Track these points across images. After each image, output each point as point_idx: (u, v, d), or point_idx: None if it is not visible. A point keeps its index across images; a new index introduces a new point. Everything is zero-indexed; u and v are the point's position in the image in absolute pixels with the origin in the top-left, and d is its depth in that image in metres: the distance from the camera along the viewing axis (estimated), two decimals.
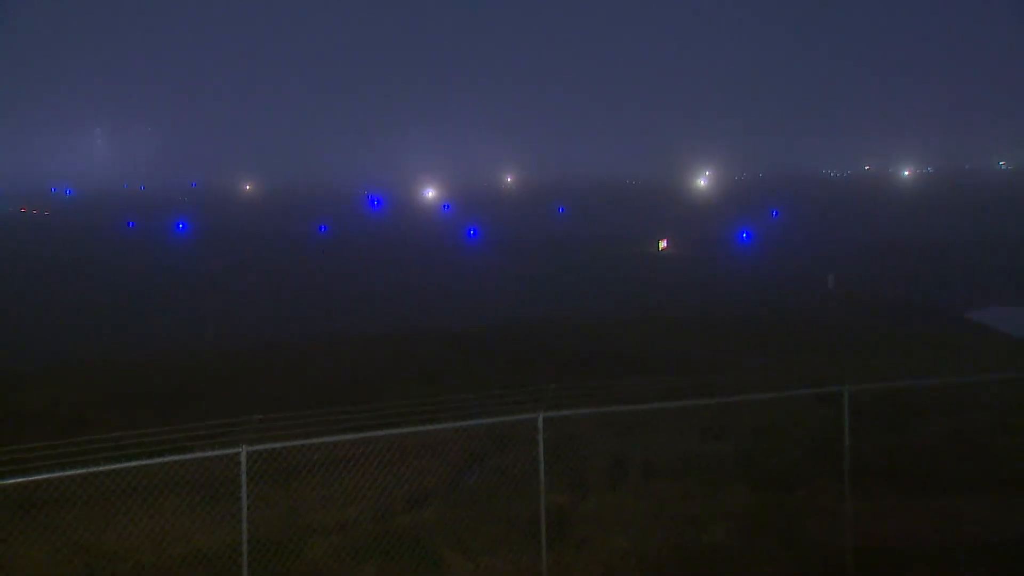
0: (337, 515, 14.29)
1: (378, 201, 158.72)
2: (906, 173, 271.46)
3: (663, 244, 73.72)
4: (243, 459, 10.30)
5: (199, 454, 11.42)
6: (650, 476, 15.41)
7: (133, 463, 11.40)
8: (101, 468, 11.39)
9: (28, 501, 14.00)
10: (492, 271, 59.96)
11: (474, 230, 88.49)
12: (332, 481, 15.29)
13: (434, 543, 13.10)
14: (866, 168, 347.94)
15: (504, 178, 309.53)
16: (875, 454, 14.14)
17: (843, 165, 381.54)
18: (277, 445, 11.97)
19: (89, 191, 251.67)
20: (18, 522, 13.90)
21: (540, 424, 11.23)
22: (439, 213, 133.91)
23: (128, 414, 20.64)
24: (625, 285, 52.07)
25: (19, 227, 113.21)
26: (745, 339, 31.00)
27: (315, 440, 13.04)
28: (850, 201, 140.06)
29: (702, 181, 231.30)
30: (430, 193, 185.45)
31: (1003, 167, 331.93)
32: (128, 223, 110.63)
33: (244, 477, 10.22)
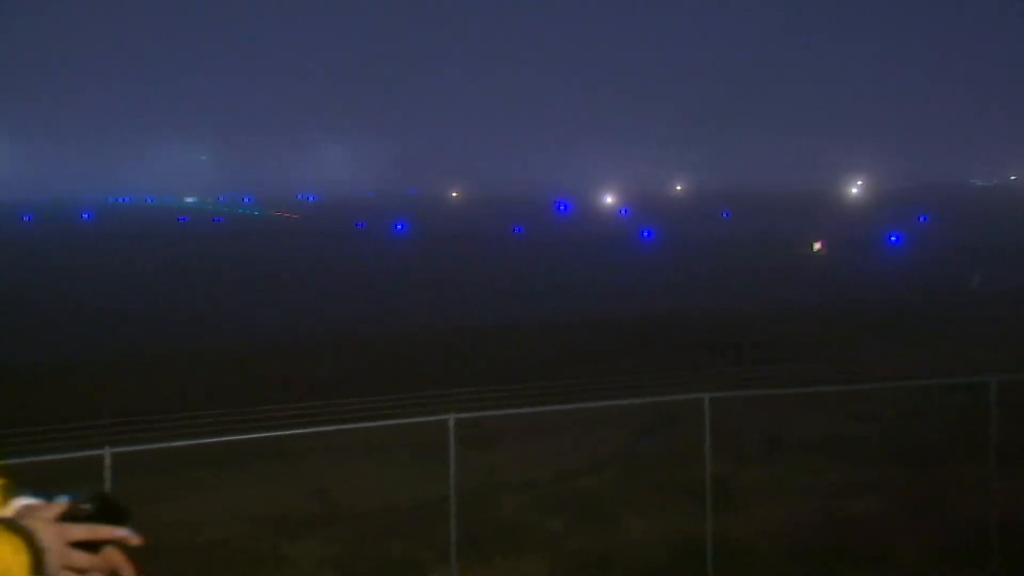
0: (528, 475, 14.41)
1: (565, 206, 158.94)
2: None
3: (818, 245, 71.52)
4: (451, 425, 10.44)
5: (415, 419, 11.65)
6: (802, 452, 15.05)
7: (363, 424, 11.72)
8: (334, 427, 11.73)
9: (283, 451, 14.60)
10: (662, 268, 59.41)
11: (648, 232, 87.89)
12: (524, 446, 15.45)
13: (612, 503, 13.08)
14: (1012, 178, 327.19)
15: (674, 186, 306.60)
16: (1018, 439, 13.44)
17: (990, 174, 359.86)
18: (479, 414, 12.16)
19: (330, 197, 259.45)
20: (272, 468, 14.50)
21: (706, 404, 11.06)
22: (618, 217, 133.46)
23: (359, 383, 21.23)
24: (782, 281, 50.85)
25: (275, 228, 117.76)
26: (892, 332, 29.88)
27: (509, 411, 13.20)
28: (997, 208, 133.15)
29: (854, 189, 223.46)
30: (609, 199, 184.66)
31: None
32: (358, 224, 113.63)
33: (452, 440, 10.36)
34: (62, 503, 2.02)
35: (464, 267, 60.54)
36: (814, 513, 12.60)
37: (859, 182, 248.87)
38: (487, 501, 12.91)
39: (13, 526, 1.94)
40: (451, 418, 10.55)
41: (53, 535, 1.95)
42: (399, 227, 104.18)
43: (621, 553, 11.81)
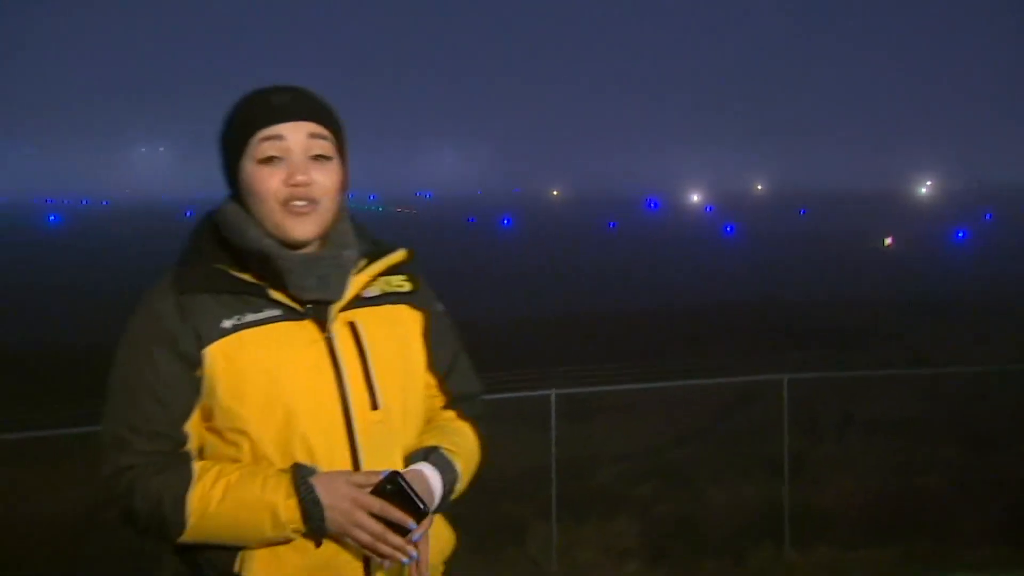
0: (621, 448, 14.41)
1: (655, 204, 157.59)
2: None
3: (888, 241, 69.56)
4: (552, 400, 10.56)
5: (520, 393, 11.76)
6: (872, 431, 14.74)
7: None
8: None
9: None
10: (743, 260, 58.57)
11: (731, 227, 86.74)
12: (617, 422, 15.43)
13: (696, 473, 13.03)
14: None
15: (754, 185, 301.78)
16: None
17: None
18: (578, 390, 12.26)
19: (443, 194, 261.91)
20: None
21: (785, 384, 10.97)
22: (703, 214, 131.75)
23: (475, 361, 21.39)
24: (854, 273, 49.69)
25: (397, 222, 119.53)
26: (957, 320, 28.93)
27: (605, 388, 13.25)
28: None
29: (923, 189, 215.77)
30: (695, 197, 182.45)
31: None
32: (469, 219, 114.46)
33: (553, 414, 10.48)
34: (374, 475, 2.10)
35: (565, 258, 60.60)
36: (883, 486, 12.37)
37: (928, 183, 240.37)
38: (584, 469, 12.98)
39: (295, 472, 2.08)
40: (552, 393, 10.68)
41: (343, 496, 2.05)
42: (506, 222, 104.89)
43: (705, 518, 11.81)
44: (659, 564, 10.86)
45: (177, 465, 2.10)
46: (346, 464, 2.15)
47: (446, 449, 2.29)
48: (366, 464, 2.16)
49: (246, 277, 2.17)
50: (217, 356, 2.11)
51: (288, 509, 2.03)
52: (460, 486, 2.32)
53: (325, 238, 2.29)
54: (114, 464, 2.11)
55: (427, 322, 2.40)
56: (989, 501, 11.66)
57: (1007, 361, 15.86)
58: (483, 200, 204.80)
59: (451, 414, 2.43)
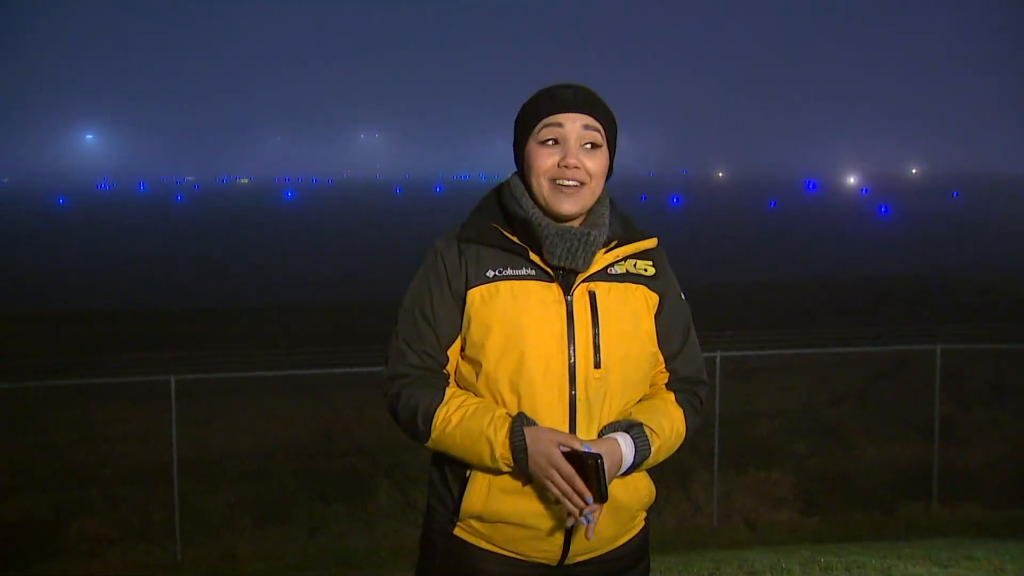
0: (778, 405, 14.06)
1: (813, 185, 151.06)
2: None
3: None
4: (717, 362, 10.44)
5: None
6: (1021, 400, 13.75)
7: None
8: None
9: None
10: (896, 237, 55.44)
11: (884, 207, 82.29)
12: (775, 381, 15.06)
13: (849, 431, 12.59)
14: None
15: (909, 170, 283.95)
16: None
17: None
18: (740, 353, 12.04)
19: (619, 176, 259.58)
20: None
21: (938, 352, 10.44)
22: (858, 196, 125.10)
23: None
24: (1004, 251, 46.13)
25: None
26: None
27: (765, 352, 12.96)
28: None
29: None
30: (851, 180, 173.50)
31: None
32: (641, 197, 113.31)
33: (718, 374, 10.36)
34: (579, 443, 2.16)
35: (727, 233, 59.09)
36: None
37: None
38: (744, 424, 12.76)
39: (515, 420, 2.22)
40: (717, 355, 10.56)
41: (544, 453, 2.14)
42: (674, 200, 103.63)
43: (855, 473, 11.44)
44: (811, 513, 10.61)
45: (435, 385, 2.28)
46: (563, 408, 2.23)
47: (649, 428, 2.28)
48: (579, 411, 2.24)
49: (514, 239, 2.29)
50: (475, 298, 2.26)
51: (502, 447, 2.17)
52: (649, 463, 2.31)
53: (585, 216, 2.37)
54: (392, 370, 2.31)
55: (661, 305, 2.41)
56: None
57: None
58: (654, 181, 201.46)
59: (670, 396, 2.41)
